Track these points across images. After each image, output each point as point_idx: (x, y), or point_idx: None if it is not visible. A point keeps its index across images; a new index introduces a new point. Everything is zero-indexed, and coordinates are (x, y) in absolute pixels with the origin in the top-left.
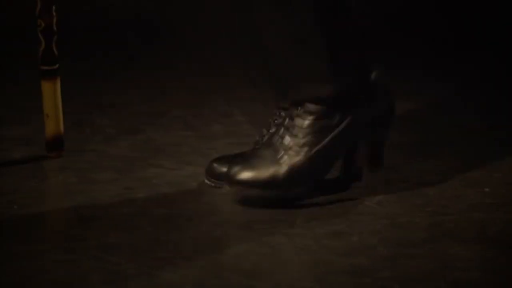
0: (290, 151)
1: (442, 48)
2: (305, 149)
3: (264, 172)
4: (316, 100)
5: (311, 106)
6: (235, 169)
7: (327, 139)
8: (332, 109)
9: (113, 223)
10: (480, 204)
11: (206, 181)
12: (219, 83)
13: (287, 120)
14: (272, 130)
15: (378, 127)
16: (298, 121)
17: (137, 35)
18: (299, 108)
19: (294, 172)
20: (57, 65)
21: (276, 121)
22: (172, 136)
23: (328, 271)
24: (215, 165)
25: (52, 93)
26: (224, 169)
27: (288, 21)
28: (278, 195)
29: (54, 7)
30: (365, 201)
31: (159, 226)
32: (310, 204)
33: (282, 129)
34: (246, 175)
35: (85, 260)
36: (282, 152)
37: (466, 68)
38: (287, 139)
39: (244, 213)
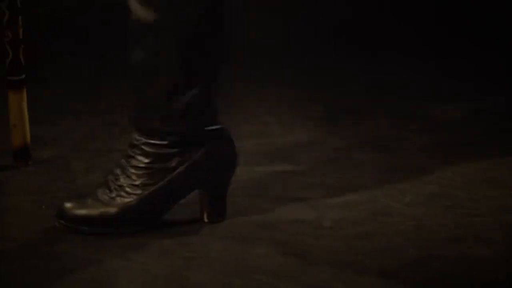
0: (122, 192)
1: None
2: (138, 191)
3: (94, 210)
4: (157, 134)
5: (148, 148)
6: (69, 205)
7: (161, 183)
8: (170, 151)
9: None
10: (508, 206)
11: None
12: (246, 83)
13: (122, 160)
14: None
15: (217, 175)
16: (133, 162)
17: None
18: (135, 149)
19: (125, 213)
20: (23, 75)
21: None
22: None
23: (356, 272)
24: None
25: (19, 104)
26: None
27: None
28: (109, 232)
29: (20, 17)
30: (393, 203)
31: (186, 226)
32: (338, 205)
33: (117, 169)
34: (79, 212)
35: (113, 259)
36: (115, 193)
37: (492, 68)
38: (121, 179)
39: (271, 213)
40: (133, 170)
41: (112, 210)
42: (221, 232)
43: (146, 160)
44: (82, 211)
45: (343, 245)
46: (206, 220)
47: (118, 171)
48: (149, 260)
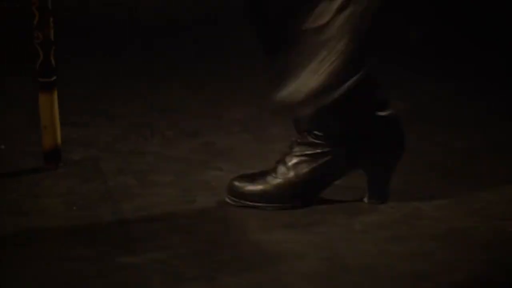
0: (285, 169)
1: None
2: (296, 170)
3: (258, 186)
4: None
5: (312, 137)
6: (238, 182)
7: (320, 161)
8: (325, 142)
9: (172, 226)
10: None
11: (227, 199)
12: (275, 87)
13: (291, 143)
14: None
15: (379, 159)
16: (296, 149)
17: (195, 39)
18: (299, 139)
19: (286, 188)
20: (54, 77)
21: (299, 140)
22: (230, 139)
23: (388, 275)
24: (235, 183)
25: (49, 105)
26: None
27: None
28: (271, 208)
29: (51, 19)
30: (424, 206)
31: (217, 229)
32: (370, 209)
33: (284, 156)
34: (245, 188)
35: (145, 262)
36: (279, 170)
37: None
38: (287, 159)
39: (304, 217)
40: (297, 150)
41: (276, 183)
42: (254, 235)
43: (311, 144)
44: (250, 187)
45: (374, 248)
46: (366, 201)
47: (283, 157)
48: (181, 263)
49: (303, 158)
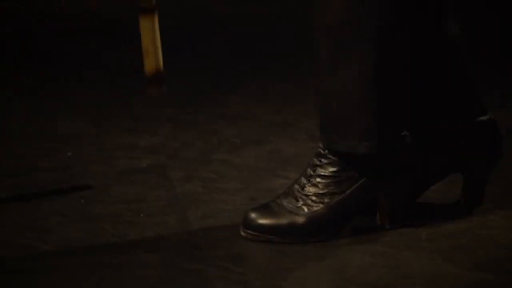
0: (309, 201)
1: None
2: (326, 199)
3: (282, 219)
4: (351, 153)
5: (335, 156)
6: (254, 214)
7: (349, 190)
8: (358, 161)
9: (238, 233)
10: None
11: (242, 232)
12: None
13: (308, 169)
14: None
15: (477, 164)
16: (320, 171)
17: (265, 45)
18: (322, 159)
19: (313, 222)
20: (155, 2)
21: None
22: (298, 147)
23: (454, 285)
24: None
25: (150, 29)
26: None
27: (344, 70)
28: (297, 242)
29: None
30: (490, 215)
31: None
32: (435, 218)
33: (302, 178)
34: (265, 221)
35: (210, 269)
36: (301, 202)
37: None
38: (307, 188)
39: (368, 226)
40: (319, 179)
41: (300, 219)
42: (318, 243)
43: (333, 169)
44: (269, 221)
45: (439, 257)
46: (461, 203)
47: (304, 180)
48: (246, 271)
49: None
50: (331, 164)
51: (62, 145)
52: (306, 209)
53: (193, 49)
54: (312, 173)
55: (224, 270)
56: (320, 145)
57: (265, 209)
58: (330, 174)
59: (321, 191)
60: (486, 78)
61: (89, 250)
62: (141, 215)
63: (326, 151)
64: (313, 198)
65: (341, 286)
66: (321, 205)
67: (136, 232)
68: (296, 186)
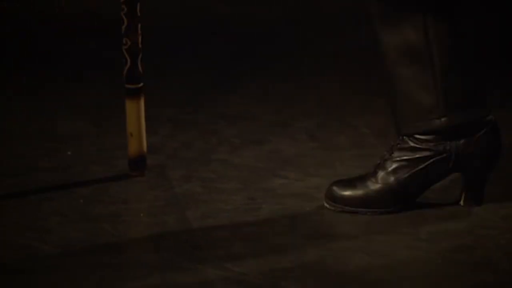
0: (384, 174)
1: None
2: (397, 174)
3: (359, 191)
4: (425, 132)
5: (412, 140)
6: (337, 187)
7: (420, 166)
8: (434, 142)
9: (237, 233)
10: None
11: (326, 204)
12: (344, 95)
13: (387, 154)
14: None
15: (478, 164)
16: (396, 154)
17: (265, 45)
18: (399, 143)
19: (386, 193)
20: (141, 84)
21: (398, 145)
22: (298, 147)
23: (452, 285)
24: (334, 188)
25: (136, 112)
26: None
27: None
28: (371, 213)
29: (140, 25)
30: (490, 215)
31: (283, 237)
32: (435, 217)
33: (385, 158)
34: (347, 192)
35: (210, 269)
36: (379, 175)
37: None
38: (381, 170)
39: (367, 226)
40: (397, 157)
41: (375, 188)
42: (318, 243)
43: (409, 147)
44: (348, 192)
45: (438, 257)
46: (462, 204)
47: (385, 160)
48: (246, 270)
49: (403, 163)
50: (407, 145)
51: (62, 145)
52: (380, 182)
53: (193, 49)
54: (388, 156)
55: (224, 270)
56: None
57: (346, 182)
58: (407, 154)
59: (394, 167)
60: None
61: (89, 250)
62: (141, 214)
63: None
64: (389, 171)
65: (341, 286)
66: (392, 178)
67: (135, 232)
68: (379, 163)
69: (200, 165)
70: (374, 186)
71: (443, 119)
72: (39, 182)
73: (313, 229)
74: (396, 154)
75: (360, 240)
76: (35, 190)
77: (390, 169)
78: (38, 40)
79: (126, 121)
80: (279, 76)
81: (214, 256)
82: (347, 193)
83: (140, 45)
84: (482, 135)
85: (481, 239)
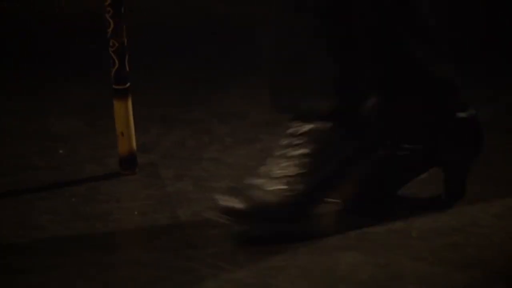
0: (288, 179)
1: None
2: (304, 177)
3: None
4: (316, 115)
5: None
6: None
7: (321, 172)
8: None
9: (228, 232)
10: None
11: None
12: None
13: (286, 149)
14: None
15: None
16: (291, 152)
17: (259, 44)
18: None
19: (297, 200)
20: (128, 84)
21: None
22: None
23: (444, 283)
24: None
25: (125, 112)
26: None
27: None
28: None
29: (125, 27)
30: (481, 214)
31: (275, 236)
32: (426, 216)
33: (281, 159)
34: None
35: (202, 267)
36: (283, 181)
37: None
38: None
39: (359, 224)
40: (297, 160)
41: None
42: (310, 241)
43: (304, 151)
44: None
45: (429, 256)
46: (443, 198)
47: (282, 161)
48: (238, 269)
49: None
50: (301, 145)
51: (54, 144)
52: (287, 189)
53: (186, 48)
54: (289, 153)
55: (216, 268)
56: (290, 124)
57: (238, 194)
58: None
59: (301, 171)
60: (480, 76)
61: (81, 248)
62: (135, 213)
63: (294, 127)
64: (294, 178)
65: (332, 284)
66: (302, 185)
67: (127, 231)
68: (276, 167)
69: (192, 164)
70: None
71: None
72: (31, 181)
73: (304, 228)
74: None
75: (351, 238)
76: (27, 188)
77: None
78: (38, 40)
79: (115, 121)
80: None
81: (206, 254)
82: None
83: (126, 46)
84: (461, 130)
85: (473, 237)
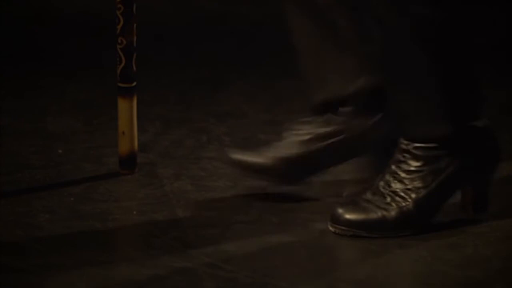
0: (397, 197)
1: None
2: (413, 195)
3: (373, 214)
4: (427, 140)
5: (417, 151)
6: (342, 210)
7: (434, 184)
8: (440, 152)
9: (228, 231)
10: None
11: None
12: None
13: (392, 166)
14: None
15: (482, 173)
16: (404, 167)
17: (256, 43)
18: (405, 154)
19: (402, 217)
20: (134, 83)
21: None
22: None
23: (442, 283)
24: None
25: (128, 111)
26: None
27: (406, 58)
28: (386, 236)
29: (135, 25)
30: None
31: (273, 235)
32: None
33: (387, 175)
34: (353, 216)
35: (200, 267)
36: (389, 198)
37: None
38: (394, 185)
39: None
40: (404, 175)
41: (390, 214)
42: (308, 241)
43: (417, 164)
44: (358, 216)
45: (428, 255)
46: (470, 214)
47: (389, 177)
48: (236, 268)
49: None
50: (414, 158)
51: (53, 143)
52: (394, 205)
53: (184, 47)
54: (396, 169)
55: (214, 268)
56: (403, 140)
57: (353, 205)
58: (414, 169)
59: (407, 187)
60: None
61: (79, 248)
62: (134, 212)
63: (409, 146)
64: (401, 194)
65: (331, 283)
66: (408, 201)
67: (126, 230)
68: (382, 183)
69: (190, 163)
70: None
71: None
72: (29, 180)
73: (304, 226)
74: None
75: (351, 237)
76: (25, 187)
77: (404, 187)
78: (36, 40)
79: (118, 119)
80: (270, 74)
81: (204, 254)
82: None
83: (135, 45)
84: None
85: (471, 237)
